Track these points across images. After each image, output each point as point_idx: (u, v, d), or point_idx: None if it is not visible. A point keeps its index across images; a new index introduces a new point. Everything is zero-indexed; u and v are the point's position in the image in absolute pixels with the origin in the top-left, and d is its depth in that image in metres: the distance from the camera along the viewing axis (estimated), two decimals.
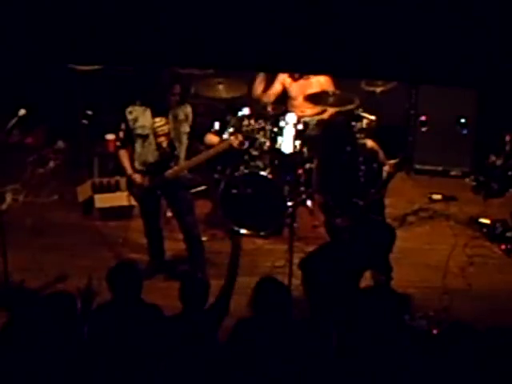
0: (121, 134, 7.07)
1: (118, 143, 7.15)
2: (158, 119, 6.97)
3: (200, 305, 5.44)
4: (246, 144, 7.57)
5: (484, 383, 4.94)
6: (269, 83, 8.54)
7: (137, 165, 7.07)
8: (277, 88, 8.50)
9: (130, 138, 7.03)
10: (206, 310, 5.52)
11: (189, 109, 7.05)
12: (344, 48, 4.86)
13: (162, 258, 7.56)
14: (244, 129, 7.84)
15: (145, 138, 6.98)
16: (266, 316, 5.32)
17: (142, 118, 6.96)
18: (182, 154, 7.04)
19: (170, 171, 7.01)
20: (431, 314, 6.84)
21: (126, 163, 7.09)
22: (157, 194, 7.12)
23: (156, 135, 6.98)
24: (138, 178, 7.05)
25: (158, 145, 6.99)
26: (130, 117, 6.98)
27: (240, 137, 7.11)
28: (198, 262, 7.36)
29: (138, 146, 7.02)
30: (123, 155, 7.10)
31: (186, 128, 7.02)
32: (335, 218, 6.63)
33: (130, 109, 6.99)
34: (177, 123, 6.99)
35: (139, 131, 6.98)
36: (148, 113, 6.96)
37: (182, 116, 7.00)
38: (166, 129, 6.98)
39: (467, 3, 4.68)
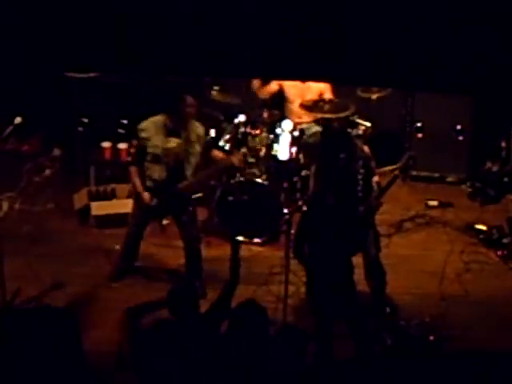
0: (132, 150, 7.11)
1: (130, 159, 7.17)
2: (170, 139, 6.98)
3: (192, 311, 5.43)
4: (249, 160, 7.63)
5: None
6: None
7: (146, 180, 7.09)
8: (273, 87, 8.48)
9: (141, 155, 7.04)
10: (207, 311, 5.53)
11: (200, 129, 7.09)
12: (340, 55, 4.87)
13: (133, 261, 7.54)
14: (250, 145, 7.90)
15: (155, 156, 6.99)
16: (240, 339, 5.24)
17: (155, 137, 6.97)
18: (189, 173, 7.06)
19: (178, 186, 7.02)
20: (427, 321, 6.83)
21: (137, 180, 7.09)
22: (163, 209, 7.13)
23: (167, 155, 6.99)
24: (146, 197, 7.06)
25: (167, 164, 7.00)
26: (142, 135, 7.00)
27: (241, 156, 7.17)
28: (195, 271, 7.35)
29: (147, 163, 7.04)
30: (134, 172, 7.11)
31: (197, 148, 7.04)
32: (332, 224, 6.61)
33: (142, 126, 7.01)
34: (188, 144, 7.00)
35: (151, 150, 6.99)
36: (161, 132, 6.97)
37: (193, 137, 7.03)
38: (177, 149, 6.99)
39: (463, 11, 4.70)
